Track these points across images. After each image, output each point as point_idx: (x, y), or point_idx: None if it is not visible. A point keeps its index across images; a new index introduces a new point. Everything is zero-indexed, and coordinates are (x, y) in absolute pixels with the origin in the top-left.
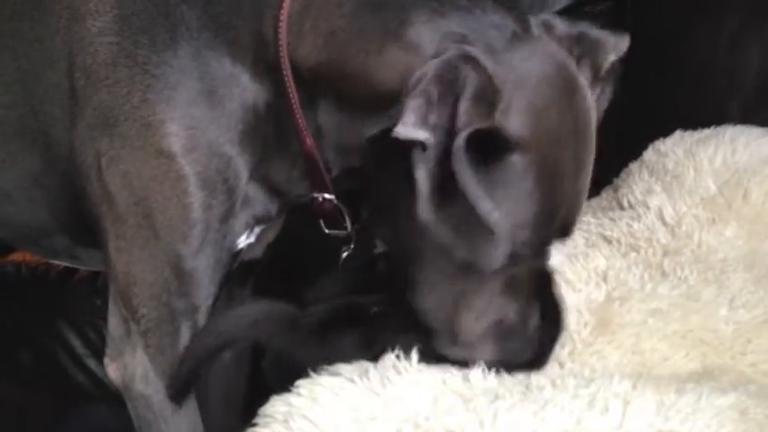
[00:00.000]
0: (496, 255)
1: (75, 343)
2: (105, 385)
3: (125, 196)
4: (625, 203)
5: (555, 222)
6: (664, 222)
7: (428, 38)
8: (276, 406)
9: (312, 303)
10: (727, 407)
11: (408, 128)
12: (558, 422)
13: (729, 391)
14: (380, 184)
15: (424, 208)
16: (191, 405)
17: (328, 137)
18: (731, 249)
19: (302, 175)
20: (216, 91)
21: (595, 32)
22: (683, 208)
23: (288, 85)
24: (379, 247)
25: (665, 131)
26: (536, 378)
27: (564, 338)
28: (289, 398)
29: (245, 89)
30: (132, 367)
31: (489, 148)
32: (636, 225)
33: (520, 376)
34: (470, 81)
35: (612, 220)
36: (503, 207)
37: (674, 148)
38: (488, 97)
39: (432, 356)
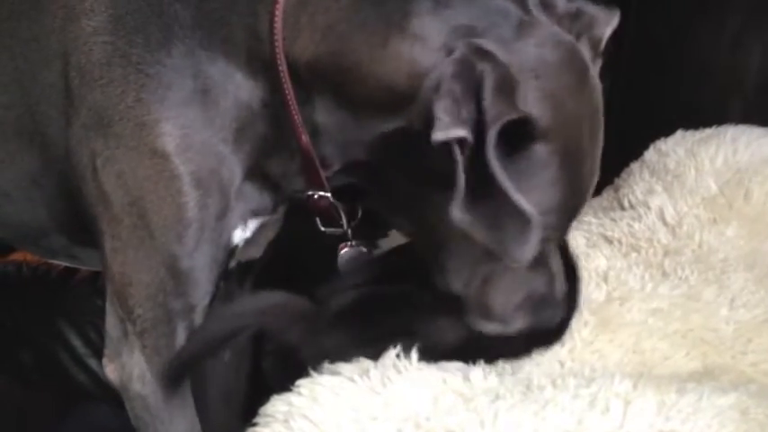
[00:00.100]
0: (530, 247)
1: (76, 343)
2: (106, 385)
3: (120, 196)
4: (626, 203)
5: (581, 201)
6: (665, 222)
7: (434, 30)
8: (276, 405)
9: (326, 297)
10: (728, 407)
11: (445, 130)
12: (558, 422)
13: (730, 390)
14: (397, 179)
15: (460, 207)
16: (188, 405)
17: (327, 133)
18: (732, 249)
19: (299, 171)
20: (210, 90)
21: (590, 8)
22: (684, 208)
23: (284, 81)
24: (380, 247)
25: (667, 131)
26: (537, 378)
27: (564, 337)
28: (289, 397)
29: (240, 87)
30: (129, 367)
31: (514, 139)
32: (637, 225)
33: (520, 376)
34: (488, 75)
35: (613, 220)
36: (532, 196)
37: (675, 148)
38: (508, 89)
39: (432, 356)
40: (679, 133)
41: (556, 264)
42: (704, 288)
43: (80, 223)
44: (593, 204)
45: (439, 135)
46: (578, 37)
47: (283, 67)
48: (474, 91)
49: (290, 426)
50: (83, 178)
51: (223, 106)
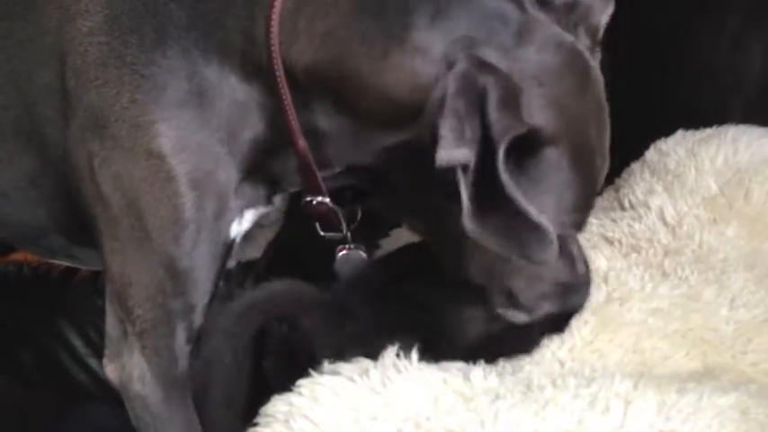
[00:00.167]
0: (549, 251)
1: (77, 342)
2: (106, 385)
3: (117, 197)
4: (626, 204)
5: (594, 194)
6: (665, 223)
7: (434, 41)
8: (277, 405)
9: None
10: (729, 407)
11: (449, 152)
12: (559, 422)
13: (730, 390)
14: (403, 185)
15: (469, 220)
16: (188, 405)
17: (329, 137)
18: (732, 249)
19: (297, 168)
20: (206, 91)
21: None
22: (685, 208)
23: (280, 86)
24: (381, 247)
25: (667, 131)
26: (537, 377)
27: (564, 336)
28: (290, 397)
29: (236, 89)
30: (129, 368)
31: (522, 147)
32: (637, 226)
33: (521, 375)
34: (492, 87)
35: (614, 220)
36: (546, 199)
37: (675, 148)
38: (512, 101)
39: (432, 356)
40: (679, 133)
41: (576, 249)
42: (704, 288)
43: (79, 223)
44: None
45: (443, 157)
46: (576, 27)
47: (280, 72)
48: (478, 106)
49: (290, 426)
50: (81, 179)
51: (219, 108)
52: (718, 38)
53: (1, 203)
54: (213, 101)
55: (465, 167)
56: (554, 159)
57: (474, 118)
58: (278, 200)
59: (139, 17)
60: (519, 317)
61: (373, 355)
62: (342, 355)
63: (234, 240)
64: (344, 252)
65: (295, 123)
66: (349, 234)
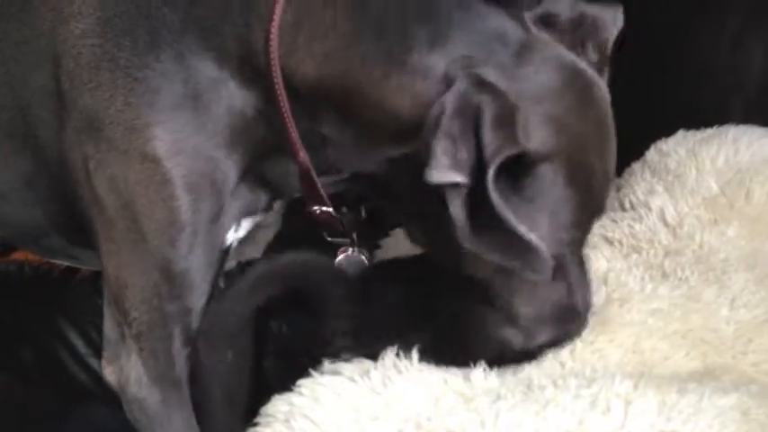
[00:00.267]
0: (543, 268)
1: (77, 342)
2: (106, 384)
3: (113, 200)
4: (627, 204)
5: (594, 213)
6: (665, 223)
7: (435, 63)
8: (278, 405)
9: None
10: (729, 407)
11: (441, 172)
12: (559, 422)
13: (731, 391)
14: (406, 195)
15: (465, 238)
16: (186, 407)
17: (334, 144)
18: (733, 249)
19: (298, 176)
20: (201, 95)
21: (593, 10)
22: (685, 208)
23: (280, 98)
24: (382, 247)
25: (668, 131)
26: (537, 378)
27: None
28: (290, 397)
29: (233, 95)
30: (127, 370)
31: (517, 165)
32: (637, 226)
33: (521, 376)
34: (487, 106)
35: (614, 221)
36: (541, 217)
37: (676, 148)
38: (508, 118)
39: (432, 356)
40: (680, 133)
41: (575, 275)
42: (704, 288)
43: (76, 224)
44: None
45: (434, 176)
46: (583, 43)
47: (279, 85)
48: (473, 126)
49: (290, 426)
50: (77, 181)
51: (215, 111)
52: (718, 38)
53: (1, 204)
54: (209, 105)
55: (456, 185)
56: (549, 177)
57: (469, 138)
58: (277, 204)
59: (132, 20)
60: (517, 338)
61: (390, 340)
62: (357, 336)
63: (231, 246)
64: (346, 254)
65: (295, 134)
66: (355, 236)
